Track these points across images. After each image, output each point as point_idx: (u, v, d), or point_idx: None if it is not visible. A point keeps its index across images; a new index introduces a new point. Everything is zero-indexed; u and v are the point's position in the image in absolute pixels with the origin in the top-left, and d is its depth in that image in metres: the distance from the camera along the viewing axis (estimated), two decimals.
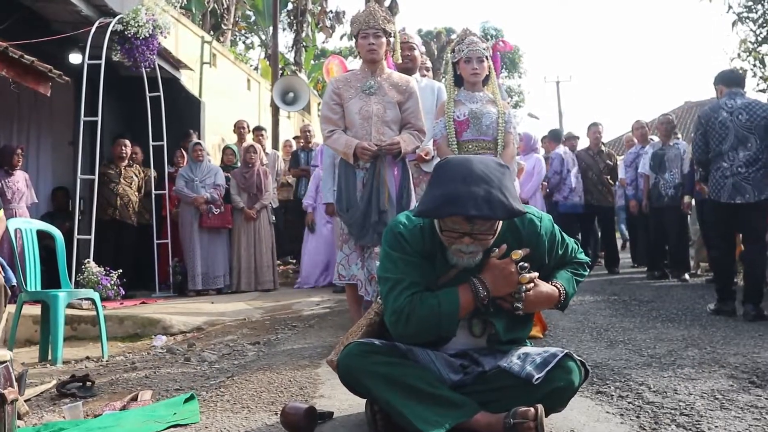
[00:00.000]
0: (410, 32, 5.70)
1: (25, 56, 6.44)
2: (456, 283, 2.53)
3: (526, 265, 2.45)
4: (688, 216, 8.92)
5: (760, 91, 10.36)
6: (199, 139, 9.14)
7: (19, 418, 2.78)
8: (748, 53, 10.05)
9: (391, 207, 4.40)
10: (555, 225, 2.71)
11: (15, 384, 2.41)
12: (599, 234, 10.92)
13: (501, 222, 2.52)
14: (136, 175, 8.99)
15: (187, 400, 3.22)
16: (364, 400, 2.61)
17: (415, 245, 2.56)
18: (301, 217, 10.56)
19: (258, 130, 10.90)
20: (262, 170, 8.88)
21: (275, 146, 12.88)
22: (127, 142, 8.92)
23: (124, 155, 8.87)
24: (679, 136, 9.58)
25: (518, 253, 2.45)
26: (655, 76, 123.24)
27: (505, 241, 2.52)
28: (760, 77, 10.06)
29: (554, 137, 10.89)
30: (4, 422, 2.33)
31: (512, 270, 2.45)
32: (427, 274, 2.55)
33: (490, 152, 4.81)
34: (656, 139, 9.61)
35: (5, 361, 2.40)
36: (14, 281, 4.36)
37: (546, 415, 2.39)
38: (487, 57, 4.83)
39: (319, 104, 19.37)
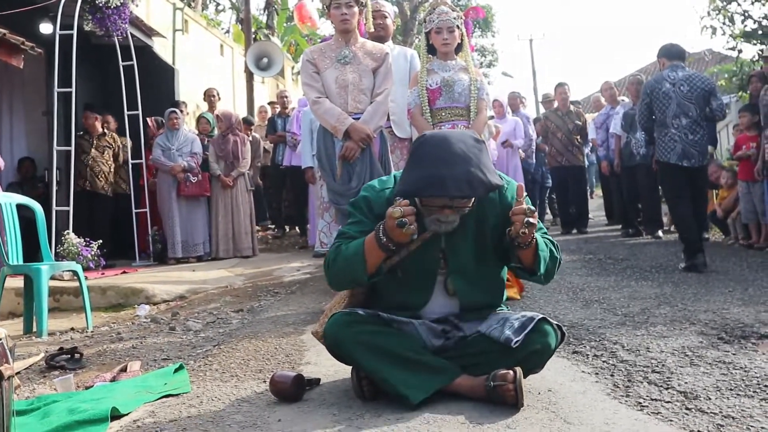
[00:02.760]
0: (382, 1, 5.71)
1: None
2: (421, 252, 2.63)
3: (405, 221, 2.41)
4: None
5: (730, 48, 10.47)
6: (175, 107, 9.09)
7: None
8: (717, 11, 10.13)
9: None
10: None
11: (11, 360, 2.47)
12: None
13: None
14: (110, 145, 8.95)
15: (176, 370, 3.30)
16: (350, 367, 2.70)
17: (378, 209, 2.67)
18: (279, 182, 10.62)
19: (247, 123, 10.70)
20: (240, 138, 8.87)
21: (250, 112, 12.84)
22: (96, 114, 8.89)
23: (94, 129, 8.85)
24: None
25: (397, 212, 2.43)
26: (629, 33, 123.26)
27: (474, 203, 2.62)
28: (730, 35, 10.15)
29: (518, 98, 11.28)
30: (2, 398, 2.39)
31: (392, 224, 2.43)
32: None
33: (463, 119, 4.90)
34: (627, 99, 9.71)
35: (0, 339, 2.45)
36: None
37: (524, 377, 2.49)
38: (458, 26, 4.89)
39: (293, 68, 19.23)
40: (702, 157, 6.18)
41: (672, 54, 6.38)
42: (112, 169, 8.98)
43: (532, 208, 2.49)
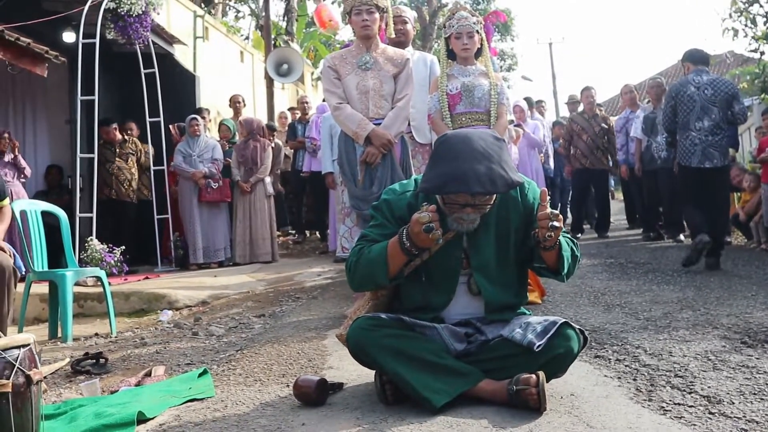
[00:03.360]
0: (402, 6, 5.72)
1: (21, 38, 6.46)
2: (443, 251, 2.66)
3: (432, 226, 2.46)
4: None
5: (752, 51, 10.39)
6: (197, 114, 9.16)
7: None
8: (739, 13, 10.05)
9: None
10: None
11: (39, 365, 2.51)
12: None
13: None
14: (132, 152, 9.04)
15: (200, 375, 3.34)
16: (373, 371, 2.72)
17: (398, 211, 2.72)
18: (300, 187, 10.66)
19: (270, 129, 10.73)
20: (260, 144, 8.92)
21: (271, 118, 12.90)
22: (114, 125, 8.96)
23: (115, 139, 8.95)
24: None
25: (424, 217, 2.47)
26: (649, 35, 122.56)
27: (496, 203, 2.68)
28: (752, 37, 10.07)
29: (528, 104, 11.35)
30: (31, 402, 2.43)
31: (418, 230, 2.48)
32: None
33: (484, 124, 4.90)
34: (648, 102, 9.67)
35: (28, 344, 2.49)
36: (24, 270, 4.45)
37: (547, 381, 2.50)
38: (477, 31, 4.91)
39: (312, 74, 19.29)
40: (723, 158, 6.32)
41: (696, 59, 6.58)
42: (136, 176, 9.06)
43: (556, 212, 2.53)
